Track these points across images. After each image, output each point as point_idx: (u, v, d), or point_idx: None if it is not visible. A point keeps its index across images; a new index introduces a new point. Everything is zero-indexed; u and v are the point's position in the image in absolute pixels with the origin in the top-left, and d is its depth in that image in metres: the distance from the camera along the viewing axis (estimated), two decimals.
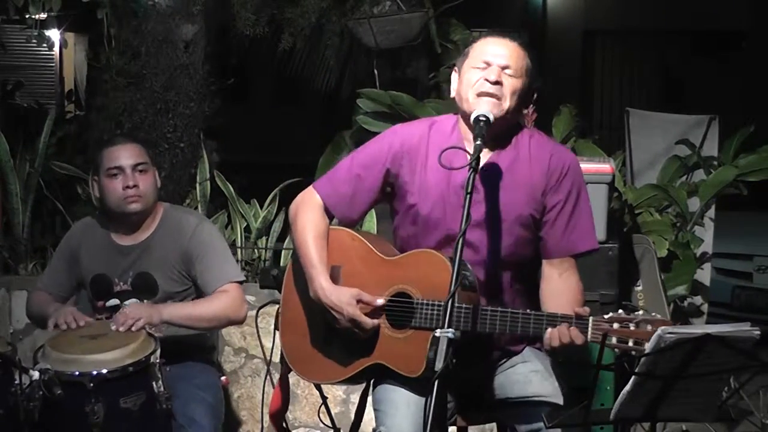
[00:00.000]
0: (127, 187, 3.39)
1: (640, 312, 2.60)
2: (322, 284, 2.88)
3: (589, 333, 2.62)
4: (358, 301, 2.83)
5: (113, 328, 3.19)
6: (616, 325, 2.59)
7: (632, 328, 2.57)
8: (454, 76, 2.96)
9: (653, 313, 2.60)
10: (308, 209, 2.99)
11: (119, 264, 3.47)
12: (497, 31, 2.94)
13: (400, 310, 2.82)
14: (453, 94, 2.94)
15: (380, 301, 2.83)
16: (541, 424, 2.72)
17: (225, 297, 3.42)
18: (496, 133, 2.83)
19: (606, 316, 2.61)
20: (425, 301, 2.78)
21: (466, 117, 2.88)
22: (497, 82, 2.81)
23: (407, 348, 2.79)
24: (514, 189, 2.87)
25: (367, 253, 2.93)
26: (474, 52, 2.89)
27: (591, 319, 2.63)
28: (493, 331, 2.73)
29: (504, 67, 2.83)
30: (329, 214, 3.00)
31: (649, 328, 2.54)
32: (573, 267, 2.90)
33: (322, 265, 2.91)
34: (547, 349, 2.72)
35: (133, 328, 3.18)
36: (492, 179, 2.86)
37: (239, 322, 3.51)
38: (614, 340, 2.58)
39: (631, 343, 2.56)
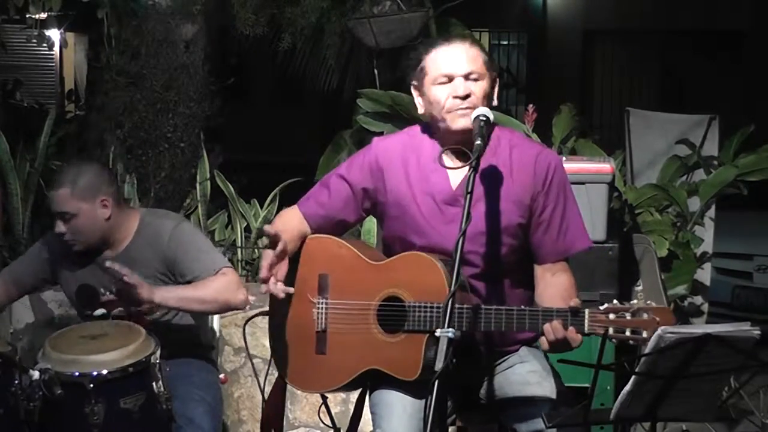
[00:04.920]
0: (61, 233, 3.38)
1: (635, 301, 2.57)
2: None
3: (586, 325, 2.58)
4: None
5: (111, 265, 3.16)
6: (612, 316, 2.56)
7: (628, 317, 2.54)
8: (415, 94, 2.89)
9: (648, 301, 2.57)
10: (286, 213, 3.02)
11: (102, 276, 3.42)
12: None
13: (392, 315, 2.79)
14: (420, 111, 2.89)
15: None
16: (541, 424, 2.71)
17: (222, 279, 3.36)
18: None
19: (602, 307, 2.58)
20: (417, 304, 2.75)
21: (445, 133, 2.83)
22: (467, 96, 2.76)
23: (402, 352, 2.76)
24: (500, 198, 2.82)
25: (354, 260, 2.90)
26: (430, 66, 2.81)
27: (587, 311, 2.59)
28: (488, 329, 2.69)
29: (467, 75, 2.78)
30: (310, 227, 2.98)
31: (646, 316, 2.53)
32: (565, 266, 2.88)
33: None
34: (545, 348, 2.68)
35: (126, 279, 3.14)
36: (481, 186, 2.81)
37: (239, 306, 3.43)
38: (611, 331, 2.55)
39: (628, 333, 2.54)
